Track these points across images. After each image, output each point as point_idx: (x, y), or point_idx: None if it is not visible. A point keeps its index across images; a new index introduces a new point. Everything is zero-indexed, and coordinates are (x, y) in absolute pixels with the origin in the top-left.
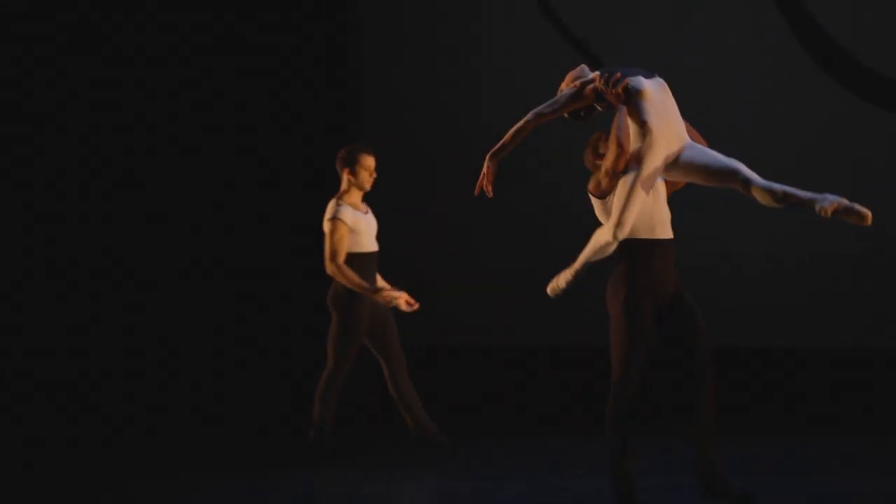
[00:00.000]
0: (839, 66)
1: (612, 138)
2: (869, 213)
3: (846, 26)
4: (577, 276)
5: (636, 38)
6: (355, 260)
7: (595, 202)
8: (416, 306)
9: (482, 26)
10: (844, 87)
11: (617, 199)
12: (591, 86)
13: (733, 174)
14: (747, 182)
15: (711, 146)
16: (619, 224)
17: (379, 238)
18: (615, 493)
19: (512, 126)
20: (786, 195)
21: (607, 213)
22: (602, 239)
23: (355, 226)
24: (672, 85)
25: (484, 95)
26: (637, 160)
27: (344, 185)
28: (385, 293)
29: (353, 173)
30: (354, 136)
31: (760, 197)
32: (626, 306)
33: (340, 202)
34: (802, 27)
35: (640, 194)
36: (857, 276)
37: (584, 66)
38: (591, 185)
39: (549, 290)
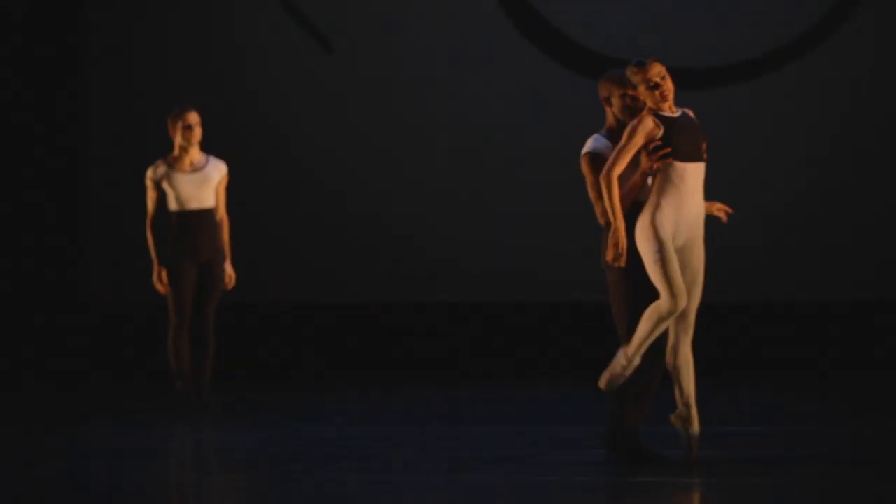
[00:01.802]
0: (533, 28)
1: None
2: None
3: None
4: (632, 362)
5: (366, 18)
6: (175, 217)
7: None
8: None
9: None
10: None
11: (659, 281)
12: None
13: (682, 315)
14: (678, 332)
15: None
16: (674, 295)
17: (234, 189)
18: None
19: None
20: (675, 371)
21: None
22: (661, 309)
23: (171, 185)
24: (403, 57)
25: (227, 82)
26: (655, 235)
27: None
28: (154, 276)
29: (172, 132)
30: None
31: (669, 344)
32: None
33: (157, 162)
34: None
35: (673, 264)
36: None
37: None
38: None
39: (603, 384)
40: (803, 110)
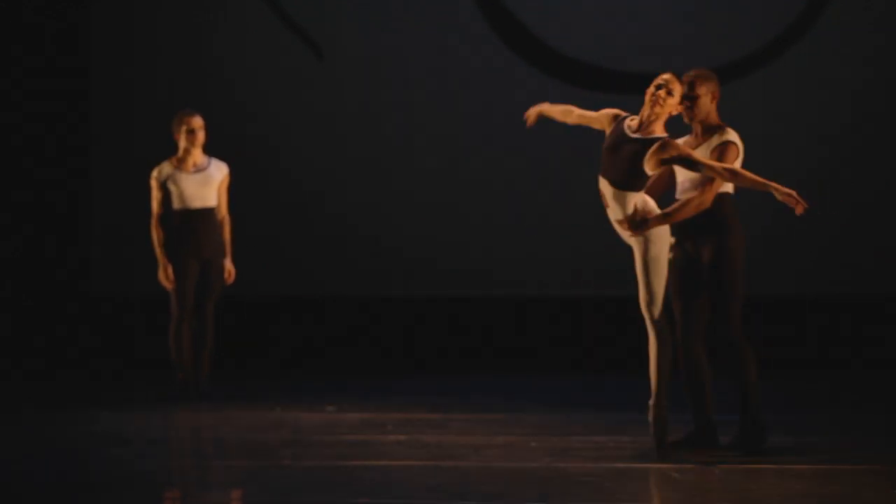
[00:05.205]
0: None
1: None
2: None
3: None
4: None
5: (355, 26)
6: (179, 216)
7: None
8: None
9: (210, 15)
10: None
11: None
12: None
13: None
14: None
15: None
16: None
17: (231, 189)
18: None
19: None
20: None
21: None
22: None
23: (175, 185)
24: (391, 62)
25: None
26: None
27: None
28: (160, 272)
29: (176, 135)
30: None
31: None
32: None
33: (163, 163)
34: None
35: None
36: None
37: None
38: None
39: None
40: (789, 110)
